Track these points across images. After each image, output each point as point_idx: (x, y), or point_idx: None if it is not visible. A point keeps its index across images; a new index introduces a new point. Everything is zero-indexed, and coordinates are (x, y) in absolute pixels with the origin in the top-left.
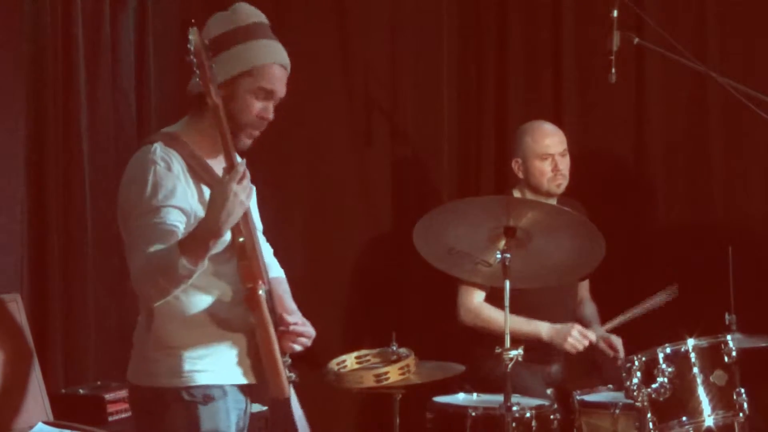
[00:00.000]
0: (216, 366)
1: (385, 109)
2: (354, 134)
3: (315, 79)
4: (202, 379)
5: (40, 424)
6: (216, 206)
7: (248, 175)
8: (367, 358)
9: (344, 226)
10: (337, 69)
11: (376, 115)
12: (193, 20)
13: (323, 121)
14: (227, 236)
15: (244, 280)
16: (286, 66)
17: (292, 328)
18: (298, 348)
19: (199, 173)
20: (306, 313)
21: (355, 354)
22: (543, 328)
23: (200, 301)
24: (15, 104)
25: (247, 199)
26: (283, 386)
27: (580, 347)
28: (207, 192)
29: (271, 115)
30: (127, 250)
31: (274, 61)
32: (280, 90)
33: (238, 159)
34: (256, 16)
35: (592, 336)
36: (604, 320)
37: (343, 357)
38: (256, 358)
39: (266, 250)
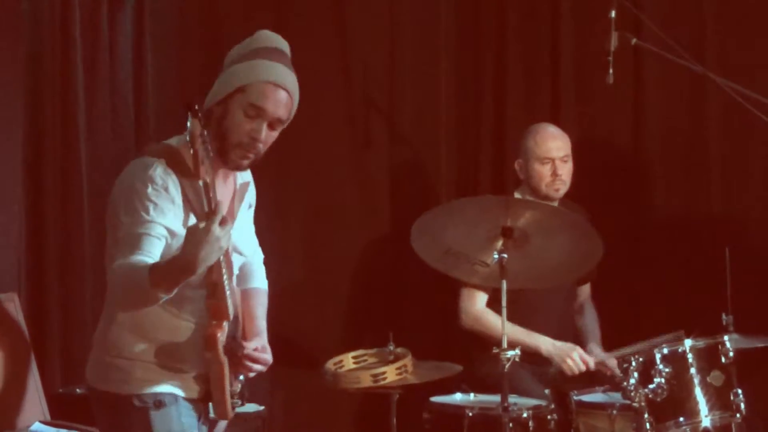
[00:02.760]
0: (168, 379)
1: (384, 110)
2: (353, 135)
3: (314, 82)
4: (153, 387)
5: (37, 424)
6: (193, 248)
7: (229, 222)
8: (365, 358)
9: (342, 226)
10: (335, 70)
11: (374, 117)
12: (196, 106)
13: (322, 122)
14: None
15: (209, 317)
16: (287, 89)
17: (247, 352)
18: (252, 374)
19: (190, 199)
20: (304, 313)
21: (353, 354)
22: (543, 344)
23: (162, 319)
24: (13, 104)
25: (226, 243)
26: (227, 412)
27: (577, 371)
28: (192, 218)
29: (262, 136)
30: (107, 254)
31: (268, 79)
32: (273, 109)
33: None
34: (273, 41)
35: (591, 363)
36: (605, 340)
37: (341, 357)
38: (206, 384)
39: (256, 258)
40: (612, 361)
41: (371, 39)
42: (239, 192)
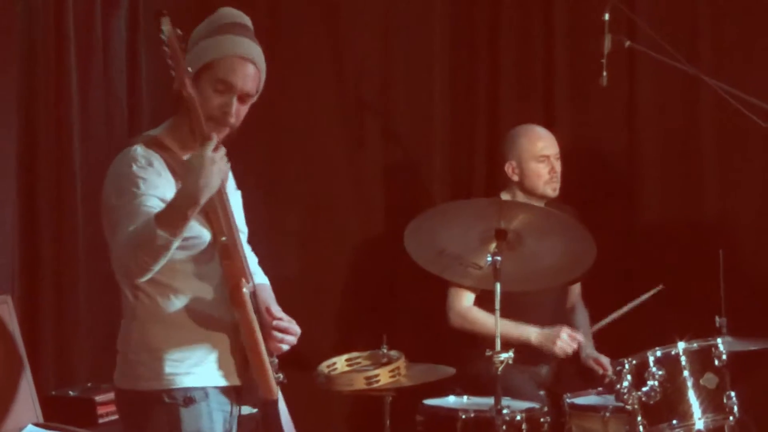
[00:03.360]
0: (197, 368)
1: (377, 111)
2: (346, 137)
3: (307, 82)
4: (182, 381)
5: (30, 426)
6: (193, 174)
7: (222, 148)
8: (358, 360)
9: (336, 228)
10: (329, 71)
11: (368, 118)
12: (164, 11)
13: (316, 123)
14: (207, 236)
15: (228, 279)
16: (254, 61)
17: (275, 323)
18: (285, 347)
19: (180, 172)
20: (297, 315)
21: (346, 356)
22: (532, 333)
23: (181, 303)
24: (7, 105)
25: (224, 165)
26: (271, 386)
27: (570, 350)
28: None
29: (233, 111)
30: (108, 235)
31: (234, 53)
32: (242, 83)
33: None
34: (237, 17)
35: (581, 337)
36: (598, 340)
37: (334, 359)
38: (240, 359)
39: (251, 259)
40: (605, 359)
41: (365, 40)
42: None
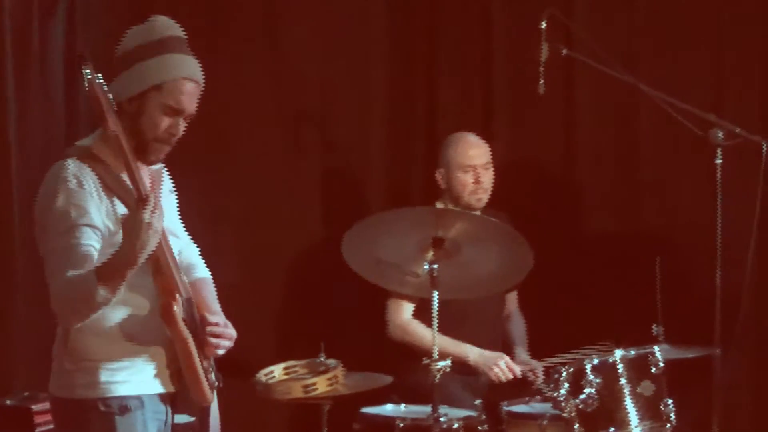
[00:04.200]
0: (134, 377)
1: (316, 119)
2: (285, 144)
3: (246, 89)
4: (118, 390)
5: None
6: (131, 239)
7: (160, 204)
8: (295, 368)
9: (274, 236)
10: (267, 78)
11: (307, 125)
12: (84, 55)
13: (255, 130)
14: None
15: (159, 296)
16: (198, 81)
17: (210, 329)
18: (220, 352)
19: (112, 187)
20: (235, 323)
21: (283, 365)
22: (470, 353)
23: (117, 314)
24: None
25: (160, 226)
26: (205, 393)
27: (504, 379)
28: (119, 206)
29: (180, 132)
30: (46, 271)
31: (184, 75)
32: (189, 107)
33: (151, 176)
34: (171, 29)
35: (518, 371)
36: (536, 349)
37: (271, 368)
38: (176, 366)
39: (193, 251)
40: (538, 366)
41: (304, 46)
42: (156, 179)
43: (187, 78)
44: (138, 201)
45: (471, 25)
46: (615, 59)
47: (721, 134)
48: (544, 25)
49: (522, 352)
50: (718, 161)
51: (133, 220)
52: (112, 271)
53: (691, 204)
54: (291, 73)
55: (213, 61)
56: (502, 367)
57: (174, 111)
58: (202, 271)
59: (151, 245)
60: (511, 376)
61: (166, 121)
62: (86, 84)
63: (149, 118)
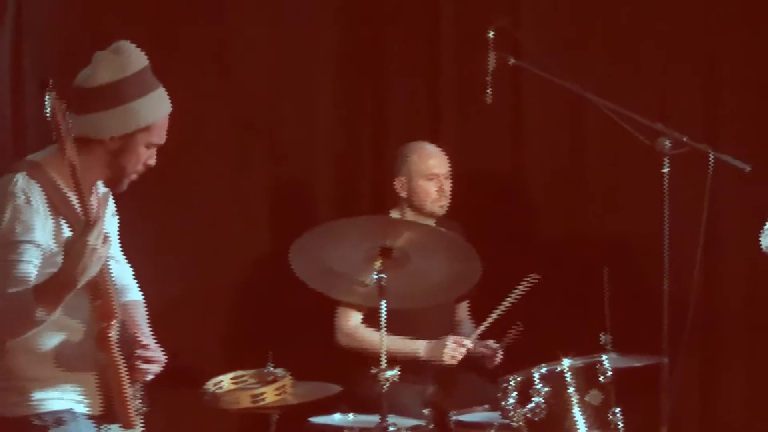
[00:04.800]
0: (64, 395)
1: (264, 130)
2: (233, 156)
3: (195, 101)
4: (51, 405)
5: None
6: (73, 261)
7: (107, 233)
8: (244, 378)
9: (222, 247)
10: (216, 91)
11: (254, 137)
12: (50, 81)
13: (202, 142)
14: None
15: (96, 321)
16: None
17: (139, 353)
18: (149, 377)
19: (59, 207)
20: (183, 333)
21: (232, 374)
22: (420, 347)
23: (50, 336)
24: None
25: (105, 253)
26: (131, 419)
27: (459, 356)
28: (64, 226)
29: (153, 161)
30: None
31: (167, 113)
32: (164, 137)
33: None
34: (141, 58)
35: (469, 343)
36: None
37: (220, 377)
38: (105, 393)
39: (127, 272)
40: (491, 342)
41: (252, 58)
42: (103, 201)
43: (167, 113)
44: (86, 225)
45: (418, 36)
46: (562, 69)
47: (668, 143)
48: (491, 35)
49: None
50: (665, 170)
51: (78, 242)
52: (50, 292)
53: (638, 213)
54: (239, 86)
55: (163, 76)
56: (452, 346)
57: (156, 145)
58: (135, 294)
59: (92, 270)
60: (464, 351)
61: (145, 155)
62: (49, 111)
63: (133, 154)
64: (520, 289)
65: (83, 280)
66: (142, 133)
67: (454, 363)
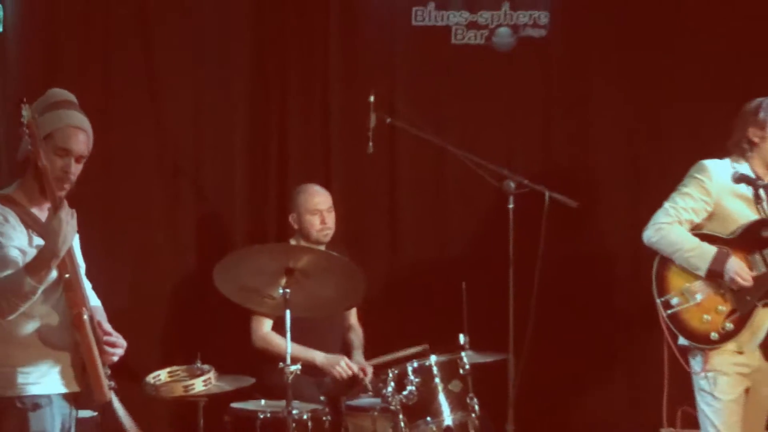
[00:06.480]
0: (43, 379)
1: (190, 172)
2: (166, 194)
3: (134, 149)
4: (31, 390)
5: None
6: (54, 234)
7: (73, 210)
8: (177, 372)
9: (159, 268)
10: (151, 140)
11: (182, 178)
12: (24, 99)
13: (141, 182)
14: (54, 273)
15: (70, 307)
16: (83, 127)
17: (106, 338)
18: (115, 358)
19: (29, 223)
20: (128, 336)
21: (168, 369)
22: (317, 356)
23: (31, 326)
24: None
25: (75, 224)
26: (105, 391)
27: (345, 375)
28: (34, 236)
29: (73, 169)
30: None
31: (68, 124)
32: (77, 147)
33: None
34: (64, 95)
35: (355, 368)
36: (368, 351)
37: (158, 372)
38: (79, 370)
39: (86, 285)
40: (369, 368)
41: (180, 114)
42: (69, 211)
43: (72, 126)
44: (55, 208)
45: (314, 98)
46: (428, 126)
47: (512, 184)
48: (372, 98)
49: (358, 355)
50: (510, 206)
51: (55, 219)
52: (39, 263)
53: (489, 240)
54: (170, 136)
55: (104, 120)
56: (343, 366)
57: (64, 152)
58: (95, 300)
59: (70, 239)
60: (350, 373)
61: (59, 161)
62: (25, 123)
63: (47, 159)
64: (410, 351)
65: (65, 248)
66: (48, 140)
67: (339, 378)
